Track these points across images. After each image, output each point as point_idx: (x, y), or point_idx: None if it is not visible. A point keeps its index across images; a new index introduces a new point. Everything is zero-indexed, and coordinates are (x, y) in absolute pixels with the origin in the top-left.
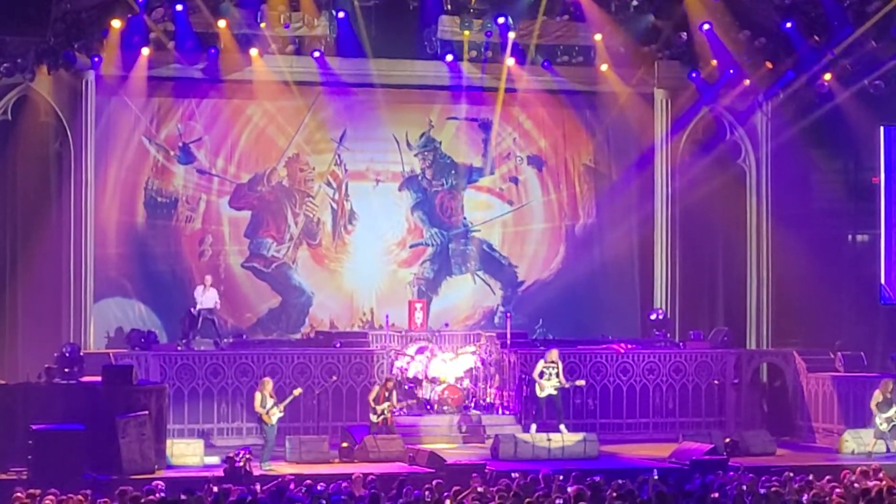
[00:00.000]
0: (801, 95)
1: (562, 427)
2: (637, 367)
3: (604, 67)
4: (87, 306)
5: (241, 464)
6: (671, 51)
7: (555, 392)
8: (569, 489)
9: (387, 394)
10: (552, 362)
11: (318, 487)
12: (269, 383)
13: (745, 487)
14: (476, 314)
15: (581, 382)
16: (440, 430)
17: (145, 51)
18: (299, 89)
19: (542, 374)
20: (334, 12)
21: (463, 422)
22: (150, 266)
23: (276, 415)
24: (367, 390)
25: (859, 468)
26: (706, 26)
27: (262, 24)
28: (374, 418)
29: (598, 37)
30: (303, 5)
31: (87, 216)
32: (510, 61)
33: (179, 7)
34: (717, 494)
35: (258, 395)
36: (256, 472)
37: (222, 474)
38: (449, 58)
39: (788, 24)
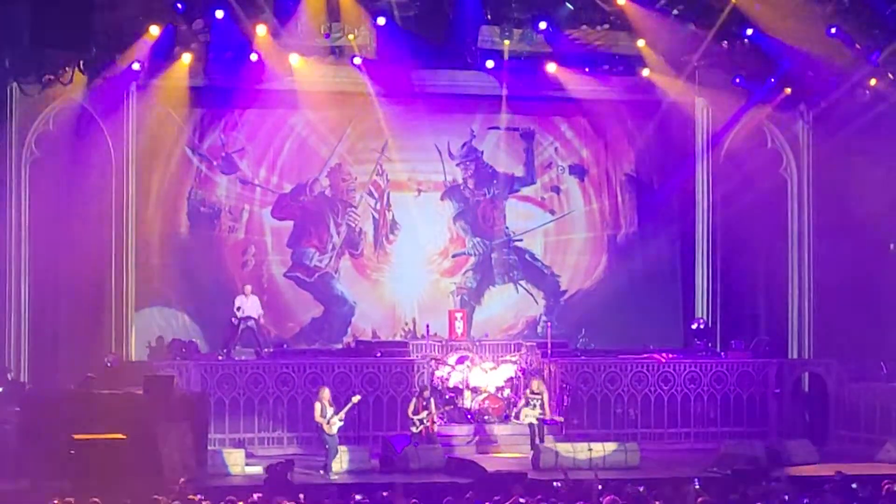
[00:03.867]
0: (842, 103)
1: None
2: (678, 376)
3: (646, 73)
4: (128, 316)
5: (286, 475)
6: (712, 59)
7: (535, 421)
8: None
9: (424, 403)
10: (536, 393)
11: (358, 498)
12: (326, 392)
13: (786, 497)
14: (519, 324)
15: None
16: (481, 440)
17: (186, 60)
18: (341, 99)
19: (527, 403)
20: (374, 22)
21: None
22: (192, 276)
23: (336, 424)
24: (407, 400)
25: None
26: (749, 31)
27: (302, 34)
28: (414, 430)
29: (640, 43)
30: (343, 15)
31: (128, 226)
32: (551, 68)
33: (220, 14)
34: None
35: (317, 405)
36: (297, 482)
37: (263, 483)
38: (490, 63)
39: (833, 30)
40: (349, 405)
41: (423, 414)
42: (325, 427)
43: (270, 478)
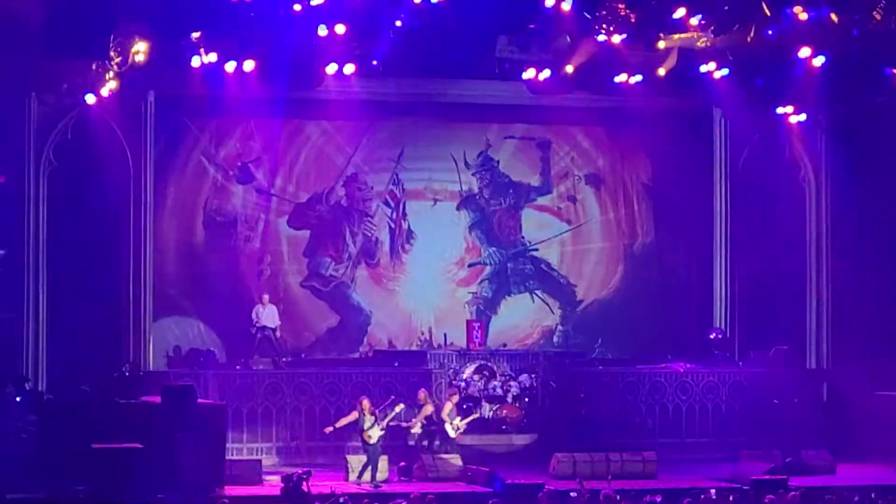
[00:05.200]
0: (861, 111)
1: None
2: (696, 386)
3: (661, 72)
4: (146, 325)
5: (301, 485)
6: (730, 68)
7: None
8: None
9: (457, 410)
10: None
11: None
12: (366, 402)
13: None
14: (535, 333)
15: None
16: (499, 449)
17: (204, 70)
18: (357, 108)
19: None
20: (392, 32)
21: None
22: (209, 285)
23: (377, 433)
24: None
25: None
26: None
27: (320, 45)
28: (452, 433)
29: (661, 44)
30: (360, 24)
31: (146, 235)
32: (567, 80)
33: (239, 25)
34: None
35: (354, 415)
36: (314, 492)
37: (281, 494)
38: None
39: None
40: (392, 414)
41: (458, 420)
42: (365, 437)
43: (287, 488)
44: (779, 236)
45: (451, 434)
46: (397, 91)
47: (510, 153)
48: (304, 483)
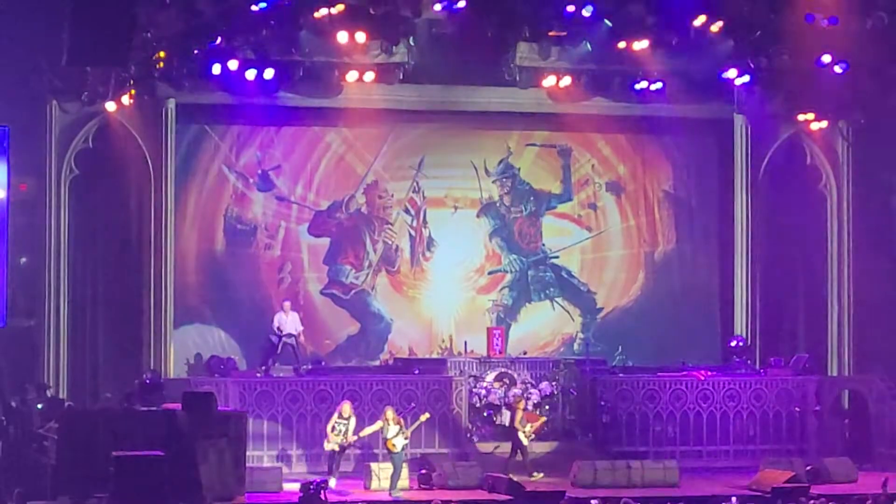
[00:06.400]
0: (882, 119)
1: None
2: (717, 393)
3: (681, 93)
4: (167, 333)
5: (319, 493)
6: (751, 76)
7: (337, 448)
8: None
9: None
10: (345, 418)
11: None
12: (390, 411)
13: None
14: (555, 341)
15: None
16: (519, 457)
17: (224, 77)
18: (378, 116)
19: (333, 428)
20: (412, 39)
21: None
22: (229, 293)
23: (401, 442)
24: (445, 417)
25: None
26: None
27: (341, 52)
28: (524, 440)
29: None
30: (381, 33)
31: (167, 243)
32: (588, 87)
33: (259, 33)
34: None
35: (380, 424)
36: (332, 500)
37: (299, 502)
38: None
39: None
40: (417, 423)
41: (528, 427)
42: (389, 445)
43: (305, 496)
44: (800, 243)
45: (525, 442)
46: (418, 98)
47: (531, 160)
48: (323, 492)
